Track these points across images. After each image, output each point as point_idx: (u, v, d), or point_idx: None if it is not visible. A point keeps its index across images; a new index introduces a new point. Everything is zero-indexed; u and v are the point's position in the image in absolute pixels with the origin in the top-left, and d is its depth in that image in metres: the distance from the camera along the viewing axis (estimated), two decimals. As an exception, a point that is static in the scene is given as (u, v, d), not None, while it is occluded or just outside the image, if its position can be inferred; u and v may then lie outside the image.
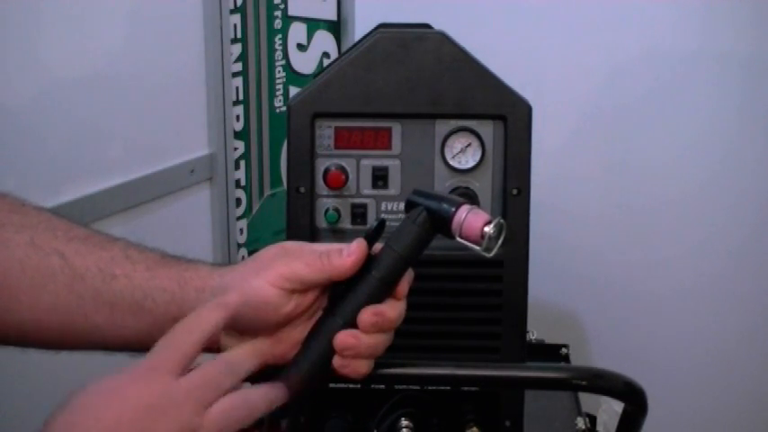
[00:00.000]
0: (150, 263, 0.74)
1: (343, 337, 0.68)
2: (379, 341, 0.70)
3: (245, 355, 0.67)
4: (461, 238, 0.69)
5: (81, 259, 0.73)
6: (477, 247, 0.69)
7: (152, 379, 0.60)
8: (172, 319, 0.71)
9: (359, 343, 0.69)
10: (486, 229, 0.68)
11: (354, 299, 0.69)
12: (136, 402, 0.59)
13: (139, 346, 0.73)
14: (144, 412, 0.59)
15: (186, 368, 0.62)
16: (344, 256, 0.69)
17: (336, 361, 0.69)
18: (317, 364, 0.69)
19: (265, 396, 0.65)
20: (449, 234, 0.70)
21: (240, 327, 0.70)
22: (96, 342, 0.74)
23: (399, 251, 0.70)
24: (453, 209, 0.69)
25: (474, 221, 0.69)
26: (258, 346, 0.69)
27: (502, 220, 0.69)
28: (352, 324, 0.69)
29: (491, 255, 0.69)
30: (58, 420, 0.59)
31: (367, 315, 0.69)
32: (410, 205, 0.72)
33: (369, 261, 0.70)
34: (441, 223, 0.70)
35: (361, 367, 0.70)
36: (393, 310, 0.70)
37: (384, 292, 0.70)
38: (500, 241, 0.69)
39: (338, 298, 0.70)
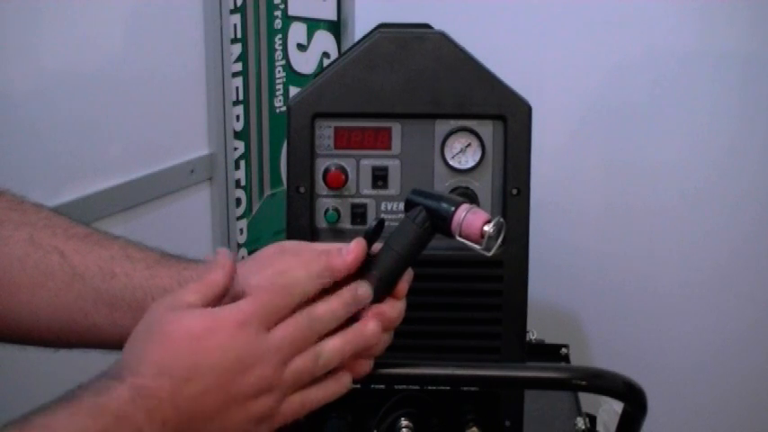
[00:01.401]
0: (150, 261, 0.74)
1: None
2: (380, 341, 0.70)
3: (330, 312, 0.66)
4: (461, 237, 0.69)
5: (80, 257, 0.73)
6: (477, 247, 0.69)
7: (246, 331, 0.62)
8: None
9: None
10: (486, 228, 0.68)
11: None
12: (229, 353, 0.61)
13: None
14: (235, 363, 0.61)
15: (276, 324, 0.63)
16: (344, 254, 0.69)
17: None
18: None
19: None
20: (448, 233, 0.70)
21: None
22: (95, 340, 0.74)
23: (399, 250, 0.70)
24: (453, 208, 0.69)
25: (473, 220, 0.69)
26: (344, 298, 0.68)
27: (501, 219, 0.69)
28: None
29: (491, 254, 0.69)
30: (150, 356, 0.60)
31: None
32: (409, 204, 0.72)
33: (368, 261, 0.70)
34: (440, 222, 0.70)
35: (362, 367, 0.70)
36: (393, 309, 0.70)
37: (384, 291, 0.70)
38: (500, 240, 0.69)
39: None
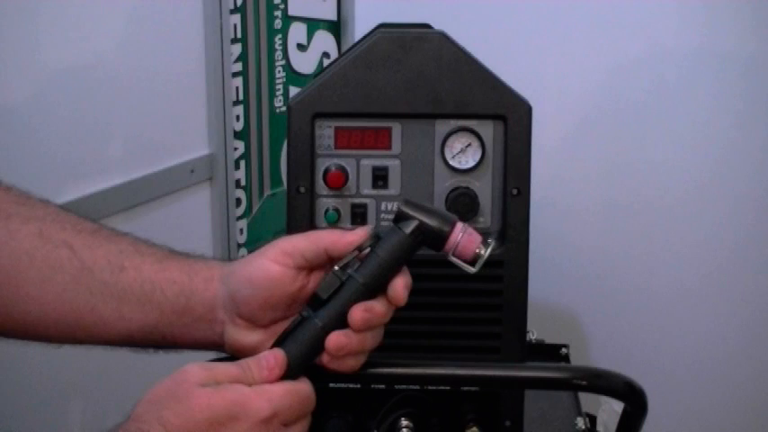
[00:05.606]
0: (159, 256, 0.74)
1: (335, 338, 0.68)
2: (369, 337, 0.70)
3: None
4: (454, 256, 0.70)
5: (89, 251, 0.73)
6: (464, 265, 0.71)
7: (267, 427, 0.63)
8: (180, 310, 0.72)
9: (350, 341, 0.69)
10: (479, 251, 0.71)
11: (337, 302, 0.70)
12: None
13: (143, 340, 0.74)
14: None
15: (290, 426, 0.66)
16: (348, 234, 0.70)
17: (325, 358, 0.69)
18: (298, 367, 0.68)
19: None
20: (439, 250, 0.71)
21: (247, 313, 0.70)
22: (101, 335, 0.74)
23: (385, 258, 0.70)
24: (448, 228, 0.70)
25: (468, 243, 0.71)
26: None
27: (490, 240, 0.72)
28: (333, 326, 0.69)
29: (473, 271, 0.71)
30: (173, 423, 0.61)
31: (358, 312, 0.69)
32: (401, 216, 0.72)
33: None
34: (432, 238, 0.71)
35: (350, 363, 0.70)
36: (381, 304, 0.70)
37: (366, 297, 0.70)
38: (485, 258, 0.71)
39: (318, 299, 0.70)
